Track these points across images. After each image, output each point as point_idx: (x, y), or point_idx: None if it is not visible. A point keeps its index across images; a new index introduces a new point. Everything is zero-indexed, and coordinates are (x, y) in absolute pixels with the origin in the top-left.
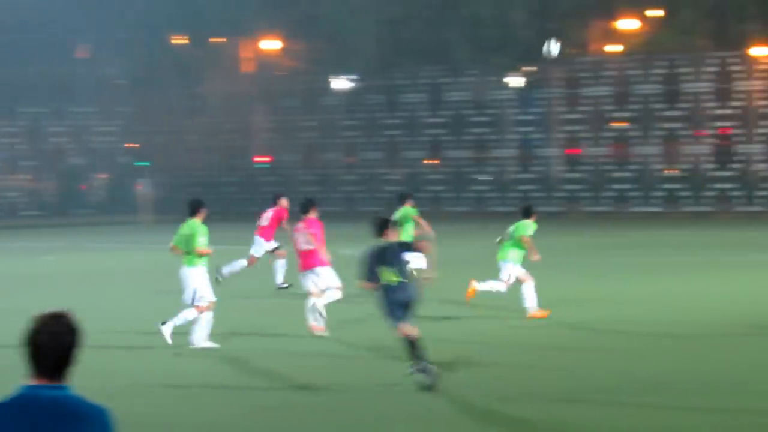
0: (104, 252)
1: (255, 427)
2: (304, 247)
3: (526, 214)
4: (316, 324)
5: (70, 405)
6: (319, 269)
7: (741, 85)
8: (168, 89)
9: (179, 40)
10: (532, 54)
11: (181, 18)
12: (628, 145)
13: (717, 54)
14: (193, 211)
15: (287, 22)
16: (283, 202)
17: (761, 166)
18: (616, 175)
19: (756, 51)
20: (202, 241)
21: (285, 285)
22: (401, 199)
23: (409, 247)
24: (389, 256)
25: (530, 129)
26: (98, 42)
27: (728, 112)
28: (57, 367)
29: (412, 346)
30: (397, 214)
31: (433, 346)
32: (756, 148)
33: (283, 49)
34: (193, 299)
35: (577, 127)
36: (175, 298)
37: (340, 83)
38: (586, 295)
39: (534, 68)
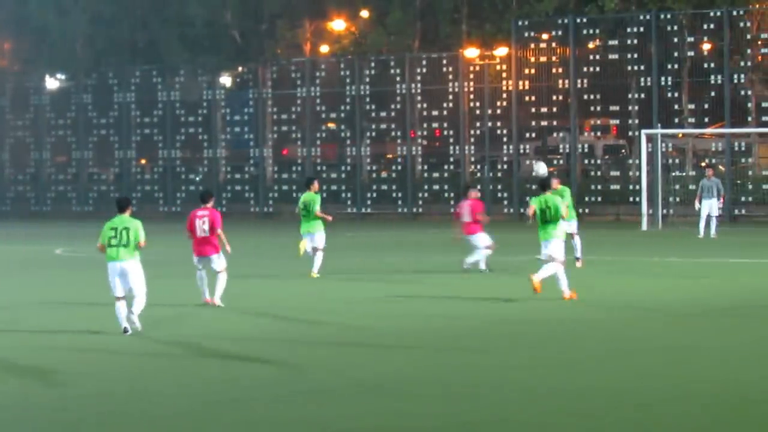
0: None
1: None
2: (201, 234)
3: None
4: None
5: None
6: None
7: (452, 87)
8: None
9: None
10: (244, 54)
11: None
12: (340, 146)
13: (427, 55)
14: (123, 208)
15: None
16: (473, 193)
17: (473, 167)
18: (328, 175)
19: (468, 52)
20: (143, 235)
21: (486, 269)
22: (308, 184)
23: None
24: None
25: (242, 129)
26: None
27: (439, 113)
28: None
29: None
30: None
31: None
32: (468, 149)
33: None
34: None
35: (289, 128)
36: None
37: (51, 82)
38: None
39: (245, 69)
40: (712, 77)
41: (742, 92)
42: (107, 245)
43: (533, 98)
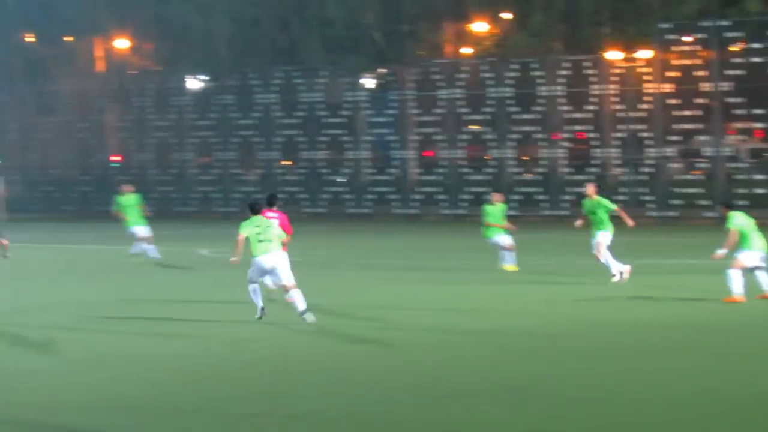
0: None
1: None
2: None
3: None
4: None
5: None
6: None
7: (595, 89)
8: (18, 87)
9: (30, 38)
10: (386, 55)
11: (31, 16)
12: (484, 148)
13: (570, 57)
14: (257, 212)
15: (137, 22)
16: None
17: (618, 170)
18: (473, 177)
19: (610, 55)
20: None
21: None
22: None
23: None
24: None
25: (385, 131)
26: None
27: (583, 115)
28: None
29: None
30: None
31: None
32: (612, 152)
33: (133, 48)
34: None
35: (431, 129)
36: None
37: (192, 83)
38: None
39: (387, 70)
40: None
41: None
42: (255, 241)
43: (676, 101)
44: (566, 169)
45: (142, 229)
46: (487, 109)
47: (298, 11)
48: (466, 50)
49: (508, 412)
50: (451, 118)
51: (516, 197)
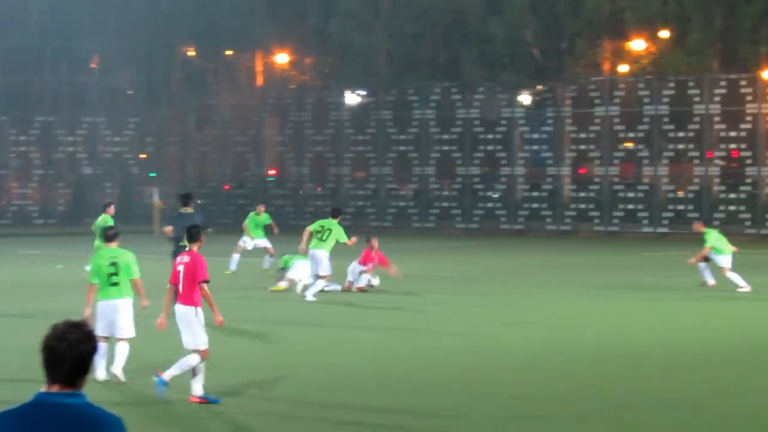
0: None
1: None
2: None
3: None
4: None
5: (87, 413)
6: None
7: (751, 108)
8: (178, 100)
9: (191, 52)
10: (543, 73)
11: (193, 30)
12: (638, 166)
13: (727, 76)
14: (336, 216)
15: (298, 36)
16: None
17: None
18: (625, 195)
19: (767, 73)
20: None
21: None
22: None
23: None
24: None
25: (540, 147)
26: (110, 52)
27: (737, 134)
28: (73, 375)
29: None
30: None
31: None
32: (766, 170)
33: (293, 63)
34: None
35: (586, 147)
36: None
37: (351, 98)
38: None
39: (545, 86)
40: None
41: None
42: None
43: None
44: (718, 188)
45: (263, 241)
46: (642, 127)
47: (459, 27)
48: (623, 68)
49: (658, 427)
50: (606, 135)
51: (667, 215)
